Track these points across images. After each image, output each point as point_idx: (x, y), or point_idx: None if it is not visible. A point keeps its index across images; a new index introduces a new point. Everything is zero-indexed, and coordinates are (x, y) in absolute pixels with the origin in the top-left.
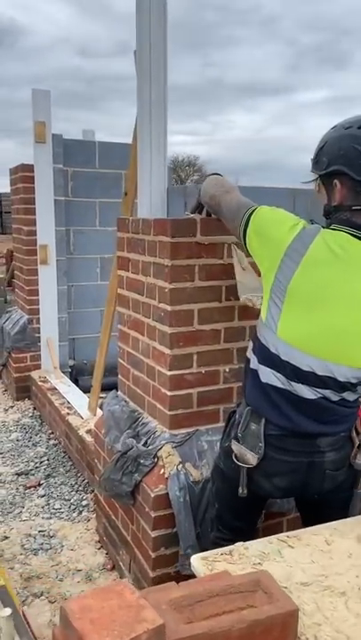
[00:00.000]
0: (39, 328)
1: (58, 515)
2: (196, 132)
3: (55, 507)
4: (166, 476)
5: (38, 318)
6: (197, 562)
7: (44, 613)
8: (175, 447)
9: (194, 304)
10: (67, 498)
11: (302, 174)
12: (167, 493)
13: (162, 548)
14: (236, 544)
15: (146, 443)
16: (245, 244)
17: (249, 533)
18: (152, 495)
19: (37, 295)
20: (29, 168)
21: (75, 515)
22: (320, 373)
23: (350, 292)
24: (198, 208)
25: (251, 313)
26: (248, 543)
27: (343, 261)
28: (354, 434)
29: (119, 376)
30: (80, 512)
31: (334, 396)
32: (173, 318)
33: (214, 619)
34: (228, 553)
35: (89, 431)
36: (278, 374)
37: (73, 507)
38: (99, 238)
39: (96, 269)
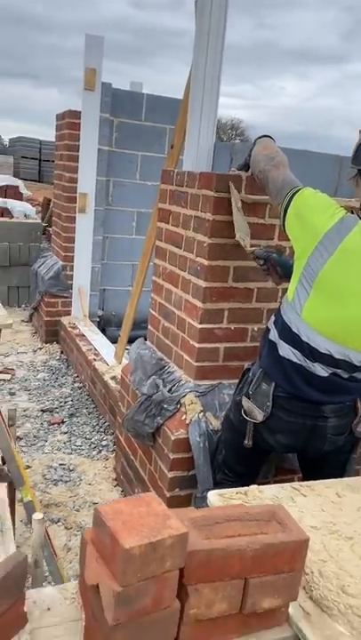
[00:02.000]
0: (72, 275)
1: (78, 451)
2: (243, 96)
3: (76, 444)
4: (187, 421)
5: (72, 266)
6: (214, 497)
7: (60, 537)
8: (198, 396)
9: (230, 261)
10: (88, 437)
11: (347, 149)
12: (187, 438)
13: (176, 489)
14: (251, 486)
15: (170, 390)
16: (284, 222)
17: (250, 479)
18: (172, 438)
19: (73, 243)
20: (76, 115)
21: (94, 453)
22: (337, 356)
23: None
24: (245, 166)
25: None
26: (263, 487)
27: None
28: (359, 404)
29: (149, 326)
30: (99, 451)
31: (345, 374)
32: (209, 273)
33: (231, 538)
34: (244, 493)
35: (113, 378)
36: (296, 351)
37: (93, 445)
38: (137, 192)
39: (132, 223)
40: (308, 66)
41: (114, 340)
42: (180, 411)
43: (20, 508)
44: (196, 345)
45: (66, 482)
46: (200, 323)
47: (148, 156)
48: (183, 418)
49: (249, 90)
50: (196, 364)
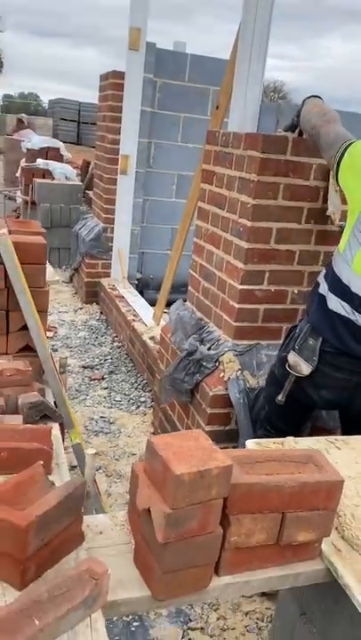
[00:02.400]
0: (112, 238)
1: (118, 406)
2: (286, 56)
3: (116, 399)
4: (225, 379)
5: (112, 228)
6: (252, 445)
7: (101, 484)
8: (236, 355)
9: (273, 222)
10: (127, 393)
11: None
12: (224, 394)
13: (213, 442)
14: (288, 437)
15: (209, 348)
16: (337, 175)
17: (292, 436)
18: (210, 394)
19: (114, 205)
20: (120, 75)
21: (133, 408)
22: None
23: None
24: (292, 127)
25: (328, 239)
26: (298, 439)
27: None
28: None
29: (189, 287)
30: (138, 406)
31: None
32: (252, 234)
33: (270, 476)
34: (280, 443)
35: (152, 338)
36: (345, 304)
37: (132, 401)
38: (179, 154)
39: (172, 186)
40: (357, 25)
41: (152, 303)
42: (218, 368)
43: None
44: (236, 305)
45: (106, 433)
46: (241, 283)
47: (190, 117)
48: (221, 375)
49: (293, 50)
50: (235, 323)
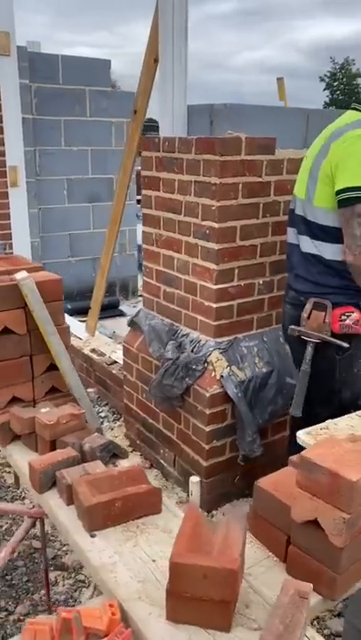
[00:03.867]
0: (12, 253)
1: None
2: (101, 44)
3: None
4: (217, 377)
5: (11, 244)
6: (305, 436)
7: None
8: (221, 353)
9: (236, 221)
10: None
11: (219, 92)
12: (219, 393)
13: (214, 440)
14: (326, 421)
15: (193, 350)
16: None
17: None
18: (207, 395)
19: (9, 220)
20: None
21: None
22: None
23: None
24: None
25: (282, 229)
26: (335, 420)
27: None
28: None
29: (144, 294)
30: (101, 423)
31: None
32: (220, 235)
33: None
34: (325, 427)
35: (94, 350)
36: None
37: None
38: (64, 159)
39: (63, 191)
40: None
41: (68, 313)
42: (207, 369)
43: None
44: (214, 305)
45: None
46: (215, 284)
47: (70, 120)
48: (213, 375)
49: (105, 37)
50: (214, 323)
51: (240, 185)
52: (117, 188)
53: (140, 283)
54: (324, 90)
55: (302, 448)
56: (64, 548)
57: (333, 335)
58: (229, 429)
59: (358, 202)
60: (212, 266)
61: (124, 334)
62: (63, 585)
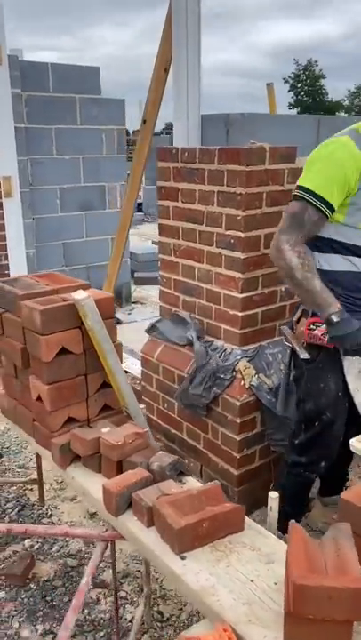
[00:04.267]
0: (8, 265)
1: None
2: (64, 49)
3: None
4: (247, 386)
5: (6, 255)
6: (357, 444)
7: None
8: (248, 361)
9: (261, 230)
10: None
11: None
12: (250, 401)
13: (245, 449)
14: None
15: (219, 360)
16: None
17: None
18: (238, 404)
19: (4, 231)
20: None
21: None
22: None
23: None
24: None
25: None
26: None
27: None
28: None
29: (162, 304)
30: None
31: None
32: (245, 244)
33: None
34: None
35: None
36: None
37: None
38: (56, 168)
39: (56, 200)
40: (126, 14)
41: None
42: (236, 378)
43: None
44: (239, 314)
45: None
46: (241, 292)
47: (61, 128)
48: (242, 383)
49: (68, 41)
50: (240, 331)
51: (264, 194)
52: (126, 197)
53: (132, 289)
54: (289, 91)
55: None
56: (101, 565)
57: (307, 345)
58: (259, 437)
59: (294, 200)
60: (238, 275)
61: (123, 342)
62: (106, 603)
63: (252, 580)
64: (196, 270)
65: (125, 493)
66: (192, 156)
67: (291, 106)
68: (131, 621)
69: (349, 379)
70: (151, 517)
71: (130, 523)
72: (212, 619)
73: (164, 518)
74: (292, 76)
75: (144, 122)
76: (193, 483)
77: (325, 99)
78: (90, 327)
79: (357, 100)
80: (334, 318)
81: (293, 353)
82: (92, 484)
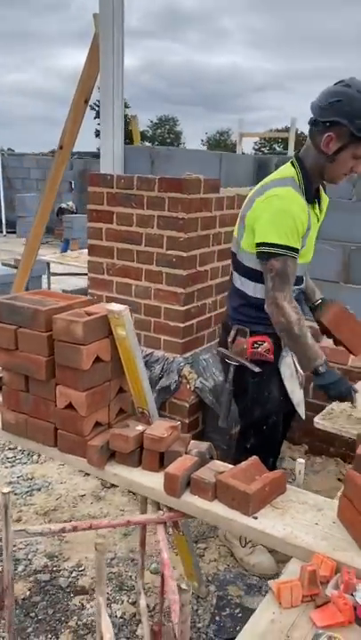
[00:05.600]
0: None
1: (20, 461)
2: None
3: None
4: (192, 389)
5: None
6: (321, 421)
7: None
8: (190, 366)
9: (197, 250)
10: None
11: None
12: (195, 403)
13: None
14: (327, 407)
15: (163, 368)
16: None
17: None
18: (187, 405)
19: None
20: None
21: (35, 457)
22: None
23: None
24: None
25: (223, 255)
26: (332, 405)
27: None
28: None
29: None
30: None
31: None
32: (186, 263)
33: None
34: (330, 410)
35: None
36: None
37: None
38: None
39: None
40: None
41: None
42: (182, 383)
43: None
44: (181, 325)
45: (39, 489)
46: (183, 305)
47: None
48: (188, 387)
49: None
50: (182, 340)
51: (199, 219)
52: (36, 222)
53: None
54: (95, 118)
55: (248, 452)
56: (74, 574)
57: (250, 361)
58: (200, 435)
59: (271, 257)
60: (180, 289)
61: None
62: (91, 607)
63: (316, 524)
64: (134, 287)
65: (185, 475)
66: (129, 183)
67: (98, 132)
68: (121, 617)
69: (286, 383)
70: (215, 492)
71: (193, 499)
72: (300, 557)
73: (234, 488)
74: (98, 102)
75: (60, 148)
76: (219, 463)
77: (129, 127)
78: (124, 336)
79: (159, 130)
80: (321, 369)
81: (238, 368)
82: (139, 476)
